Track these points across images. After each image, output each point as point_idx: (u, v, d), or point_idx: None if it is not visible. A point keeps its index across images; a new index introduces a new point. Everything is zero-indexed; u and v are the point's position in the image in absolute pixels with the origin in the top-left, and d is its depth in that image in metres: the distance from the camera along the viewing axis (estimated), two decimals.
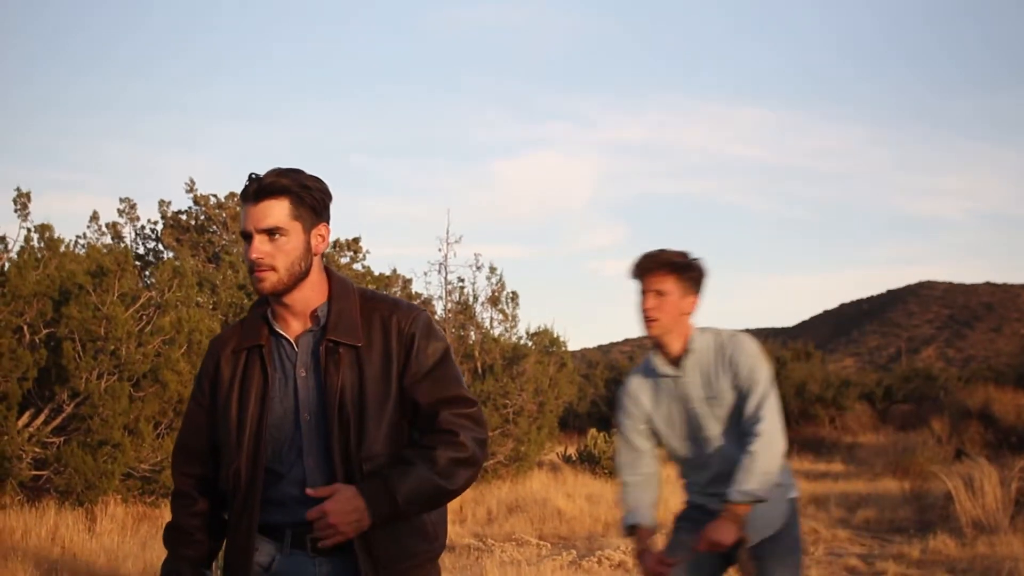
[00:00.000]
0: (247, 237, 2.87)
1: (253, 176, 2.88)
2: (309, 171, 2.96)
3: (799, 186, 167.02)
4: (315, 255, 2.92)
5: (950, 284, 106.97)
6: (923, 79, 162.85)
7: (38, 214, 29.76)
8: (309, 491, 2.78)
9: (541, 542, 11.39)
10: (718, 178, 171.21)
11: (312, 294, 2.94)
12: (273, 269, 2.84)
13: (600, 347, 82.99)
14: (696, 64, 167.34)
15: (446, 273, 17.57)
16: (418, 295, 19.14)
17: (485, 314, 17.69)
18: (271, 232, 2.84)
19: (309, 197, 2.89)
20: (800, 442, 25.74)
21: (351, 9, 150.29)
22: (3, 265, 11.60)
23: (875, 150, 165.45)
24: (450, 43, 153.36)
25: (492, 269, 17.81)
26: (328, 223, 2.99)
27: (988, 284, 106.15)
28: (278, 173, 2.88)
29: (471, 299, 17.60)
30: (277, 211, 2.85)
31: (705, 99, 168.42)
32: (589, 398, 31.07)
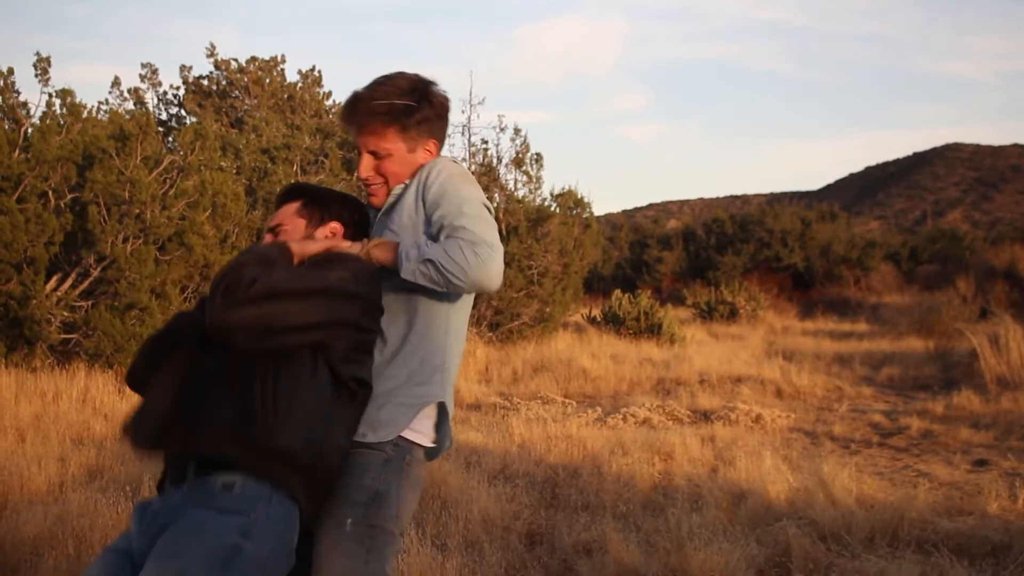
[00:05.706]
0: None
1: None
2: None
3: (826, 49, 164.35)
4: None
5: (977, 146, 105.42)
6: None
7: (58, 81, 29.63)
8: None
9: (566, 400, 11.49)
10: (745, 42, 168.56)
11: None
12: None
13: (625, 212, 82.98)
14: None
15: (470, 135, 17.43)
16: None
17: (509, 176, 17.61)
18: None
19: None
20: (825, 302, 25.78)
21: None
22: (26, 130, 11.56)
23: (904, 10, 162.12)
24: None
25: (516, 131, 17.70)
26: None
27: (1016, 146, 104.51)
28: None
29: (495, 161, 17.48)
30: None
31: None
32: (614, 260, 31.18)
